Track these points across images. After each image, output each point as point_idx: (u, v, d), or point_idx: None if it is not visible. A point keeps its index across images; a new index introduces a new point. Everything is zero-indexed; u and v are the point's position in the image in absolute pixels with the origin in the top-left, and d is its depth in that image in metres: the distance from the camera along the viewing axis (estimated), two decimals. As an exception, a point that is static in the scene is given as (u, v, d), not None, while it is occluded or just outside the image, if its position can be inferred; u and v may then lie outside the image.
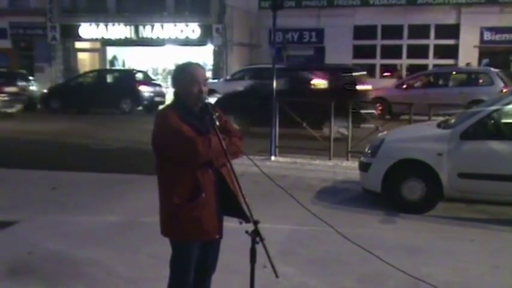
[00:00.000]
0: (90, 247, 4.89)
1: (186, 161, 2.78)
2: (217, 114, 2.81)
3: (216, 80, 20.05)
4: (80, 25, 24.26)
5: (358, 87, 12.37)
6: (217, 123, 2.75)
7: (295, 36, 25.86)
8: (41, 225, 5.60)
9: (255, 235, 2.60)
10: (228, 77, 19.67)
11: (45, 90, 20.38)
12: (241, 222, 2.86)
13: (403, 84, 17.04)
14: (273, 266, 2.49)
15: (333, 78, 12.80)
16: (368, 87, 13.02)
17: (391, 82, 20.28)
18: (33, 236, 5.21)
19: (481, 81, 16.16)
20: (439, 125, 6.62)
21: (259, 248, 2.60)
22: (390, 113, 15.09)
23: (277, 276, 2.49)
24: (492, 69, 16.65)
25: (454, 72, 17.88)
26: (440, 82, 17.10)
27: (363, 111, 10.30)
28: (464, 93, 15.03)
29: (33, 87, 20.59)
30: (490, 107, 6.13)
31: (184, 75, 2.89)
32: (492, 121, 6.09)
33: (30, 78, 21.24)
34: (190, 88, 2.83)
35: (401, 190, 6.14)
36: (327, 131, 10.03)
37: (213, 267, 3.10)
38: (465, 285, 4.19)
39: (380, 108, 15.41)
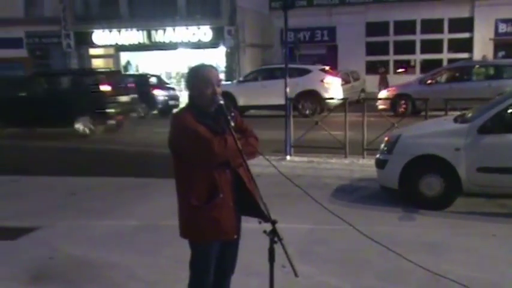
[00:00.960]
0: (110, 251, 4.94)
1: (203, 161, 2.79)
2: (232, 114, 2.82)
3: (229, 82, 20.08)
4: (93, 32, 24.53)
5: (102, 88, 13.81)
6: (232, 123, 2.77)
7: (307, 36, 25.80)
8: (62, 230, 5.68)
9: (273, 235, 2.61)
10: (241, 79, 19.67)
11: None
12: (260, 222, 2.87)
13: (428, 80, 16.50)
14: (292, 266, 2.49)
15: (76, 81, 14.75)
16: (107, 88, 14.00)
17: (410, 78, 20.07)
18: (54, 241, 5.28)
19: (508, 74, 15.72)
20: (455, 120, 6.55)
21: (277, 247, 2.61)
22: (414, 110, 14.64)
23: (296, 275, 2.49)
24: None
25: (479, 66, 17.36)
26: (466, 76, 16.52)
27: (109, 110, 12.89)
28: (493, 86, 14.58)
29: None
30: (507, 100, 6.05)
31: (197, 77, 2.91)
32: (510, 114, 6.00)
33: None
34: (204, 90, 2.85)
35: (419, 186, 6.09)
36: (79, 126, 13.40)
37: (232, 268, 3.11)
38: (487, 281, 4.13)
39: (404, 105, 15.24)
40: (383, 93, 16.83)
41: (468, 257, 4.60)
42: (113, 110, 13.86)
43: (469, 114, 6.48)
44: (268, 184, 6.41)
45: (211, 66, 3.03)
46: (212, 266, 2.96)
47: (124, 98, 14.55)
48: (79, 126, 13.65)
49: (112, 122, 14.30)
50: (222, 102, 2.83)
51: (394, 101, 15.38)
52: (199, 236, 2.91)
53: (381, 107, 14.63)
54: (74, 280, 4.36)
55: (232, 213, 2.89)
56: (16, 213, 6.33)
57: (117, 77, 16.62)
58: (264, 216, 2.83)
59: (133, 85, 16.39)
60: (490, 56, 22.30)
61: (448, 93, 13.50)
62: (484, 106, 6.59)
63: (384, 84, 21.69)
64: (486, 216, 5.77)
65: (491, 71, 16.37)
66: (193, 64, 3.14)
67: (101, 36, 24.57)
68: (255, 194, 2.87)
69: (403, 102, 15.15)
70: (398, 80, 24.15)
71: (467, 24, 24.00)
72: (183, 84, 24.53)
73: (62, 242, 5.27)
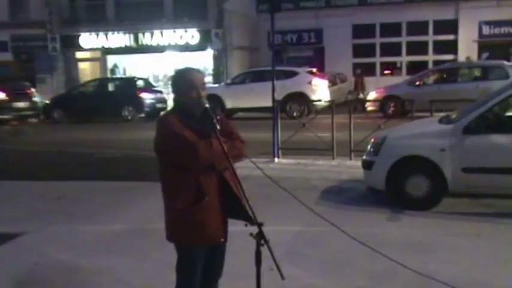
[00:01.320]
0: (98, 256, 4.90)
1: (188, 164, 2.79)
2: (218, 117, 2.82)
3: (217, 85, 20.06)
4: (79, 35, 24.34)
5: None
6: (218, 127, 2.76)
7: (294, 38, 25.88)
8: (48, 235, 5.62)
9: (260, 238, 2.61)
10: (229, 81, 19.66)
11: (47, 101, 20.46)
12: (246, 225, 2.87)
13: (417, 81, 16.50)
14: (278, 268, 2.49)
15: None
16: (2, 94, 14.20)
17: (396, 80, 20.17)
18: (40, 246, 5.23)
19: (495, 75, 15.83)
20: (440, 121, 6.61)
21: (264, 250, 2.61)
22: (403, 111, 14.45)
23: (283, 278, 2.49)
24: (506, 62, 16.41)
25: (467, 67, 17.53)
26: (454, 77, 16.70)
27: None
28: (481, 87, 14.66)
29: (35, 99, 20.71)
30: (491, 101, 6.13)
31: (182, 81, 2.92)
32: (494, 115, 6.08)
33: (33, 89, 21.35)
34: (188, 93, 2.85)
35: (406, 187, 6.14)
36: None
37: (220, 272, 3.10)
38: (474, 280, 4.17)
39: (393, 107, 15.26)
40: (372, 95, 16.91)
41: (454, 257, 4.64)
42: (6, 117, 14.00)
43: (454, 115, 6.55)
44: (256, 186, 6.42)
45: (195, 70, 3.04)
46: (199, 269, 2.95)
47: (21, 104, 14.83)
48: None
49: (7, 127, 14.33)
50: (207, 105, 2.83)
51: (383, 103, 15.46)
52: (185, 239, 2.90)
53: (370, 108, 14.74)
54: (60, 286, 4.32)
55: (218, 217, 2.88)
56: (1, 218, 6.25)
57: (13, 83, 16.91)
58: (250, 219, 2.83)
59: (32, 91, 16.72)
60: (474, 57, 22.55)
61: (437, 94, 13.69)
62: (469, 107, 6.66)
63: (361, 88, 21.64)
64: (471, 216, 5.83)
65: (479, 72, 16.49)
66: (180, 67, 3.14)
67: (88, 40, 24.40)
68: (241, 197, 2.87)
69: (392, 103, 15.23)
70: (385, 81, 24.36)
71: (451, 26, 24.26)
72: (170, 87, 24.45)
73: (48, 247, 5.21)
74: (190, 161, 2.77)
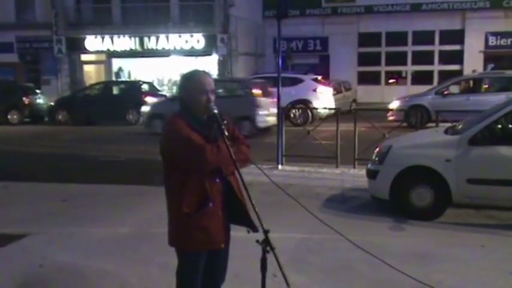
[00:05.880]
0: (101, 259, 4.90)
1: (195, 168, 2.76)
2: (225, 122, 2.81)
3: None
4: (85, 38, 24.46)
5: None
6: (226, 132, 2.76)
7: (299, 45, 25.98)
8: (52, 237, 5.63)
9: (266, 244, 2.62)
10: (234, 87, 19.71)
11: (52, 103, 20.54)
12: (248, 231, 2.87)
13: (445, 91, 15.89)
14: (284, 276, 2.50)
15: None
16: None
17: (401, 89, 19.89)
18: (44, 248, 5.23)
19: None
20: (446, 131, 6.61)
21: (269, 257, 2.61)
22: (429, 122, 13.66)
23: (288, 286, 2.50)
24: None
25: (496, 77, 16.71)
26: (482, 88, 16.01)
27: None
28: (511, 98, 14.22)
29: (40, 100, 20.78)
30: (498, 112, 6.12)
31: (191, 83, 2.87)
32: (500, 126, 6.08)
33: (37, 91, 21.44)
34: (198, 97, 2.81)
35: (410, 197, 6.13)
36: None
37: (223, 277, 3.09)
38: (477, 291, 4.17)
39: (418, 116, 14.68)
40: (395, 104, 16.04)
41: (458, 268, 4.63)
42: None
43: (460, 126, 6.55)
44: (260, 193, 6.43)
45: (205, 73, 2.97)
46: (200, 274, 2.94)
47: None
48: None
49: None
50: (216, 111, 2.82)
51: (407, 112, 14.51)
52: (187, 244, 2.89)
53: (390, 118, 14.23)
54: (64, 288, 4.32)
55: (221, 223, 2.87)
56: (5, 220, 6.27)
57: None
58: (253, 226, 2.83)
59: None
60: (479, 68, 22.51)
61: (465, 105, 13.19)
62: (475, 118, 6.66)
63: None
64: (475, 227, 5.82)
65: (509, 83, 15.76)
66: (189, 69, 3.07)
67: (93, 42, 24.50)
68: (245, 204, 2.87)
69: (417, 113, 14.69)
70: (390, 91, 24.42)
71: (458, 36, 24.31)
72: (175, 91, 24.55)
73: (52, 249, 5.22)
74: (197, 165, 2.75)
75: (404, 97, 17.06)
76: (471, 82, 16.69)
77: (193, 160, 2.74)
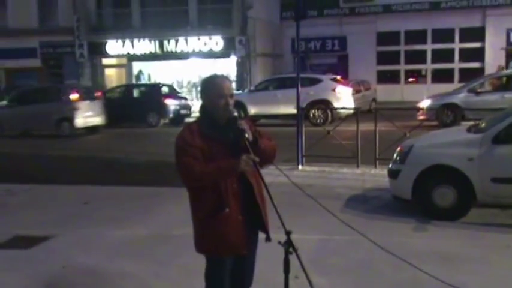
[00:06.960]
0: (123, 260, 4.95)
1: (183, 181, 2.80)
2: (246, 126, 2.78)
3: (240, 91, 20.14)
4: (106, 42, 24.76)
5: None
6: (247, 135, 2.72)
7: (317, 45, 25.89)
8: (74, 239, 5.70)
9: (288, 246, 2.59)
10: (252, 88, 19.71)
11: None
12: (266, 239, 2.85)
13: (478, 88, 15.22)
14: (307, 277, 2.48)
15: None
16: None
17: (421, 88, 19.65)
18: (67, 250, 5.31)
19: None
20: (469, 130, 6.50)
21: (291, 258, 2.60)
22: (463, 120, 13.13)
23: (312, 287, 2.47)
24: None
25: None
26: None
27: None
28: None
29: None
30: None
31: (210, 87, 2.89)
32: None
33: None
34: (216, 101, 2.83)
35: (433, 197, 6.04)
36: None
37: (250, 281, 3.07)
38: (503, 293, 4.08)
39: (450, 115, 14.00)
40: (426, 102, 15.40)
41: (483, 268, 4.55)
42: None
43: (483, 124, 6.43)
44: (279, 194, 6.35)
45: (224, 77, 3.02)
46: (226, 278, 2.93)
47: None
48: None
49: None
50: (236, 114, 2.81)
51: (439, 111, 14.19)
52: (208, 249, 2.90)
53: (421, 117, 13.43)
54: (87, 289, 4.37)
55: (240, 228, 2.82)
56: (29, 222, 6.38)
57: None
58: (267, 234, 2.81)
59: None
60: (503, 65, 22.13)
61: (500, 102, 12.62)
62: (498, 116, 6.54)
63: None
64: (500, 227, 5.71)
65: None
66: (205, 74, 3.14)
67: (114, 46, 24.79)
68: (263, 209, 2.84)
69: (450, 112, 14.07)
70: (410, 89, 24.16)
71: (478, 34, 23.94)
72: (194, 93, 24.69)
73: (75, 251, 5.29)
74: (182, 178, 2.79)
75: (435, 95, 16.45)
76: (504, 79, 15.96)
77: (180, 173, 2.79)
